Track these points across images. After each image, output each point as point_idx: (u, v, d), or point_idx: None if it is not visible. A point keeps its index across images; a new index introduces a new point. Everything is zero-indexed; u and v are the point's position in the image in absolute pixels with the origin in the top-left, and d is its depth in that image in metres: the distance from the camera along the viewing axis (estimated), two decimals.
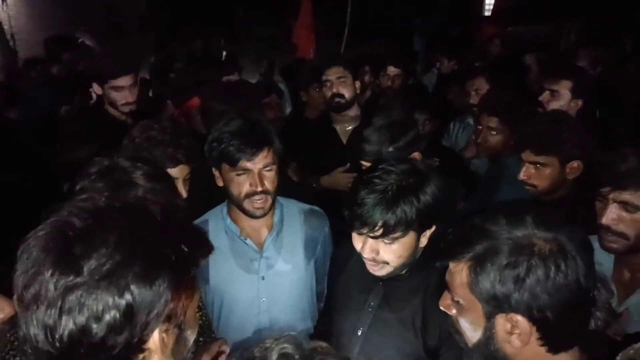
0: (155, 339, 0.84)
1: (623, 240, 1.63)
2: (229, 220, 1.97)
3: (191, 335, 0.92)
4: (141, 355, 0.84)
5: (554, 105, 2.78)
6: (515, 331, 1.03)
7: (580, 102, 2.78)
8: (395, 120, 2.15)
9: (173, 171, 1.88)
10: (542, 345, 1.04)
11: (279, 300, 1.98)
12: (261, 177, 1.82)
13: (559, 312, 0.99)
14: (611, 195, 1.62)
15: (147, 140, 1.89)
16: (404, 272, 1.62)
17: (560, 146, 2.07)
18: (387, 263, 1.54)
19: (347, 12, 5.37)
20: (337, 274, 1.86)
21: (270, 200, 1.87)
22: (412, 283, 1.62)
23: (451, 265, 1.10)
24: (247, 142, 1.78)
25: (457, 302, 1.11)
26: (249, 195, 1.83)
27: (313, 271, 2.07)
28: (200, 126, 3.07)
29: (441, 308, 1.18)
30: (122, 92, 2.80)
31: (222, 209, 2.01)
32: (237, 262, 1.96)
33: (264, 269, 1.96)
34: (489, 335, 1.06)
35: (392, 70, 4.20)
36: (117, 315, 0.78)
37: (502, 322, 1.04)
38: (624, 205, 1.60)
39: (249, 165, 1.80)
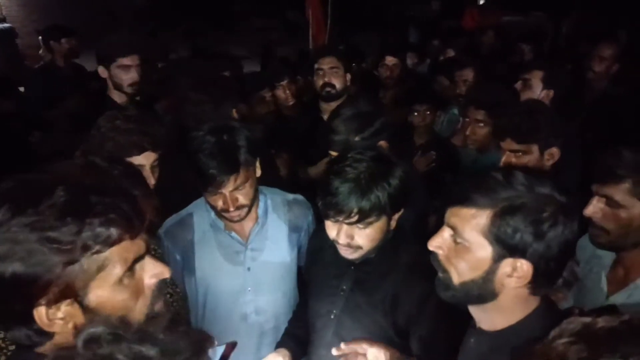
0: (41, 313, 0.89)
1: (605, 235, 1.64)
2: (213, 214, 1.99)
3: (109, 311, 0.93)
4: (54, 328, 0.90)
5: (527, 94, 2.87)
6: (515, 274, 1.14)
7: (551, 93, 2.86)
8: (361, 111, 2.19)
9: (139, 158, 1.91)
10: (528, 287, 1.16)
11: (264, 289, 2.02)
12: (233, 198, 1.81)
13: (557, 263, 1.12)
14: (594, 188, 1.63)
15: (112, 129, 1.92)
16: (373, 255, 1.68)
17: (539, 134, 2.13)
18: (361, 247, 1.61)
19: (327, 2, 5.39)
20: (312, 261, 1.92)
21: (246, 209, 1.88)
22: (382, 267, 1.68)
23: (467, 210, 1.17)
24: (215, 169, 1.74)
25: (458, 243, 1.19)
26: (224, 211, 1.85)
27: (297, 260, 2.11)
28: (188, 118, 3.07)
29: (429, 247, 1.25)
30: (128, 72, 2.89)
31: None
32: (222, 254, 1.99)
33: (249, 260, 2.00)
34: (488, 276, 1.16)
35: (390, 60, 4.24)
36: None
37: (505, 265, 1.14)
38: (606, 199, 1.61)
39: (218, 190, 1.79)
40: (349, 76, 3.19)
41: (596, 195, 1.64)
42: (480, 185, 1.17)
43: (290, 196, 2.13)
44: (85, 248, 0.87)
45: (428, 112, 3.34)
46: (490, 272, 1.15)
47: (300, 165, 3.21)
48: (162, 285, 1.04)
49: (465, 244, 1.17)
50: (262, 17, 15.23)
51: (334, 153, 2.13)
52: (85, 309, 0.91)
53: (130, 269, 0.94)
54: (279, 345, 1.93)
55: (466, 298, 1.22)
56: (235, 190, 1.81)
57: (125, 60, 2.89)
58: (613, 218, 1.61)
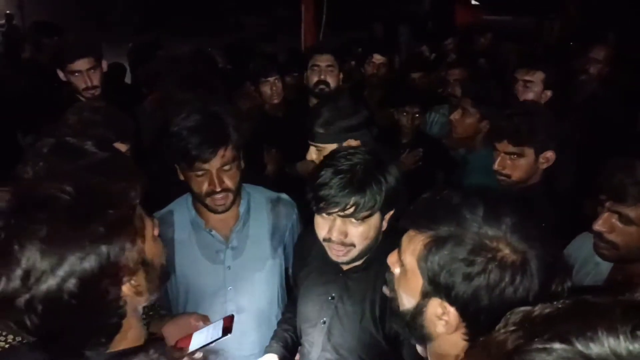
0: (125, 290, 0.94)
1: (613, 249, 1.60)
2: (194, 212, 1.95)
3: (157, 261, 1.02)
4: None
5: (527, 95, 2.86)
6: (444, 318, 1.01)
7: (549, 93, 2.88)
8: (341, 105, 2.13)
9: None
10: (465, 340, 1.03)
11: (246, 288, 1.98)
12: (220, 177, 1.78)
13: (493, 319, 0.93)
14: (607, 204, 1.59)
15: (79, 122, 1.90)
16: (361, 262, 1.64)
17: (536, 137, 2.10)
18: (354, 245, 1.55)
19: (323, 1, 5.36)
20: (300, 265, 1.87)
21: (231, 196, 1.84)
22: (369, 274, 1.63)
23: (411, 230, 1.07)
24: (202, 142, 1.71)
25: (403, 265, 1.08)
26: (209, 194, 1.80)
27: (282, 258, 2.06)
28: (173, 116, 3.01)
29: (387, 262, 1.15)
30: (80, 77, 2.72)
31: (187, 199, 1.99)
32: (202, 253, 1.95)
33: (229, 259, 1.95)
34: (419, 311, 1.05)
35: (377, 58, 4.22)
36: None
37: (434, 305, 1.02)
38: (619, 215, 1.56)
39: (205, 166, 1.76)
40: (341, 76, 3.21)
41: (608, 211, 1.58)
42: (430, 205, 1.06)
43: (274, 195, 2.09)
44: (132, 207, 0.95)
45: (417, 115, 3.36)
46: (421, 307, 1.04)
47: (287, 162, 3.18)
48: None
49: (406, 267, 1.06)
50: (251, 14, 15.20)
51: (313, 144, 2.06)
52: (147, 266, 0.98)
53: None
54: (267, 350, 1.89)
55: (403, 330, 1.12)
56: (222, 169, 1.77)
57: (74, 66, 2.71)
58: (623, 233, 1.57)
